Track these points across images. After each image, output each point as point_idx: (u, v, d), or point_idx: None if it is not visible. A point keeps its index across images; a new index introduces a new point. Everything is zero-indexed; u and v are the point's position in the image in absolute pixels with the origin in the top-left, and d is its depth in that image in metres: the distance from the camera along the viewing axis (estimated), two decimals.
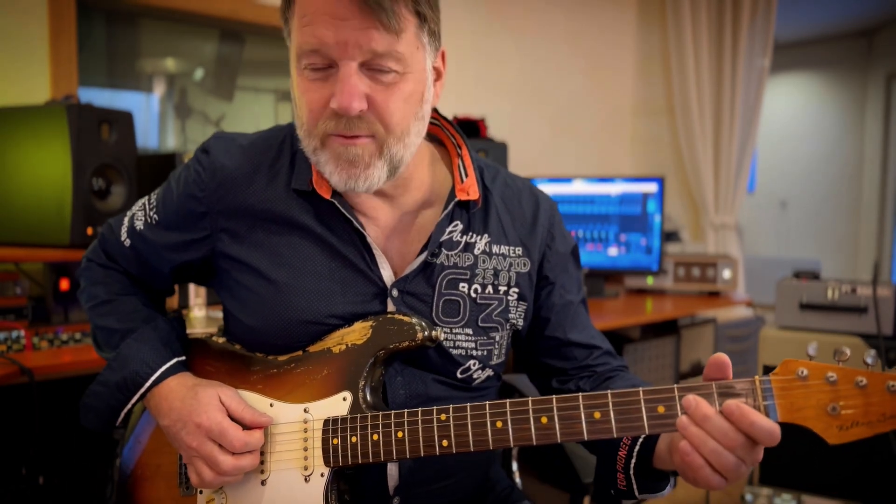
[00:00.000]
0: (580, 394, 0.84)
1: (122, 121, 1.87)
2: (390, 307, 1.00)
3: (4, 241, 1.85)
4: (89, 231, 1.79)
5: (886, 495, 2.05)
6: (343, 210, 0.98)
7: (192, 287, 2.03)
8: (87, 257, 1.16)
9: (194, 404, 0.95)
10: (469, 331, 1.02)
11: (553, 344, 1.10)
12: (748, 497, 2.24)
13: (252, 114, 3.12)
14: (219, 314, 2.00)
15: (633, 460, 0.92)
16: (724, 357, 0.82)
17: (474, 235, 1.04)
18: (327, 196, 0.98)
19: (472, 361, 1.03)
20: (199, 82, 2.95)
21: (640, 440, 0.92)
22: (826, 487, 2.13)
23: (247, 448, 0.93)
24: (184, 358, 1.06)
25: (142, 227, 1.08)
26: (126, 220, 1.12)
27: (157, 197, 1.09)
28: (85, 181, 1.77)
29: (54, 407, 1.81)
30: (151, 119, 2.86)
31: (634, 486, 0.93)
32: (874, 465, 2.06)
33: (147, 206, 1.10)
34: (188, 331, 1.14)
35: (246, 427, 0.95)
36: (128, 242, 1.10)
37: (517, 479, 1.45)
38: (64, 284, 1.94)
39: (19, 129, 1.81)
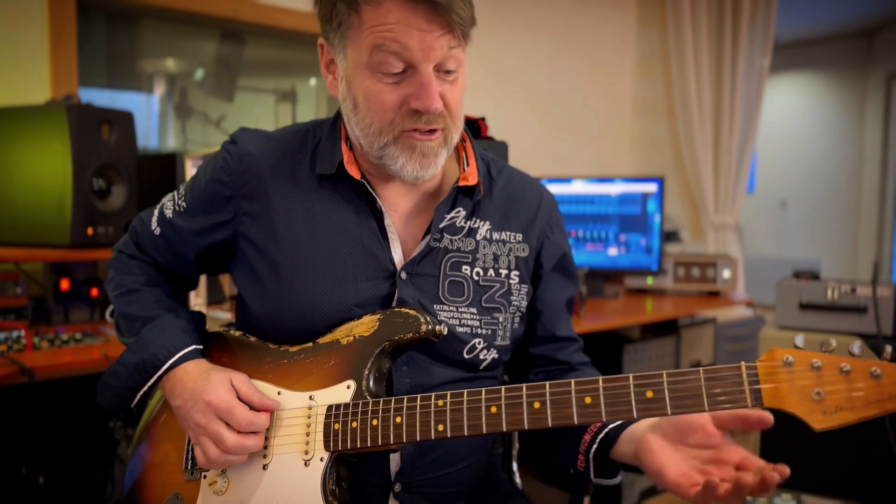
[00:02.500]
0: (572, 379, 0.87)
1: (123, 121, 1.87)
2: (399, 288, 1.04)
3: (4, 241, 1.85)
4: (89, 231, 1.79)
5: (886, 495, 2.05)
6: (371, 190, 1.05)
7: None
8: (118, 249, 1.21)
9: (206, 384, 0.99)
10: (473, 310, 1.07)
11: (540, 335, 1.18)
12: (748, 497, 2.23)
13: (252, 114, 3.12)
14: (219, 314, 2.00)
15: (595, 446, 1.02)
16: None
17: (477, 221, 1.10)
18: (357, 177, 1.05)
19: (476, 339, 1.07)
20: (199, 82, 2.95)
21: (605, 431, 1.02)
22: (826, 487, 2.13)
23: (252, 427, 0.96)
24: (202, 346, 1.10)
25: (171, 215, 1.14)
26: (156, 210, 1.17)
27: (186, 186, 1.15)
28: (85, 181, 1.77)
29: (54, 407, 1.81)
30: (152, 119, 2.86)
31: (591, 469, 1.03)
32: (874, 465, 2.06)
33: (176, 196, 1.15)
34: None
35: (254, 409, 0.98)
36: (158, 231, 1.15)
37: (517, 479, 1.45)
38: (64, 284, 1.94)
39: (19, 129, 1.82)
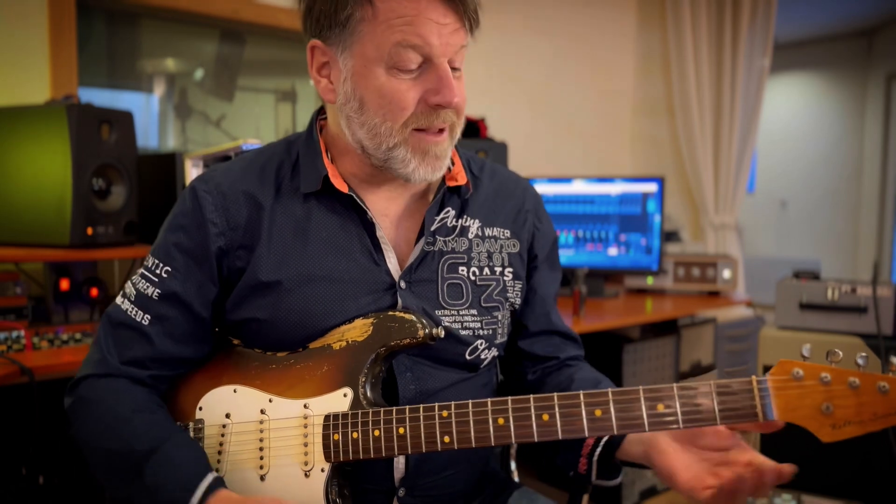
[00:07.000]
0: (581, 391, 0.87)
1: (123, 121, 1.86)
2: (400, 298, 1.02)
3: (4, 241, 1.85)
4: (89, 231, 1.79)
5: (886, 495, 2.05)
6: (360, 202, 1.02)
7: None
8: (81, 376, 1.03)
9: None
10: (474, 311, 1.07)
11: (532, 329, 1.18)
12: (748, 497, 2.23)
13: (252, 114, 3.12)
14: None
15: (599, 449, 1.01)
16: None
17: (468, 219, 1.10)
18: (345, 190, 1.02)
19: (479, 341, 1.07)
20: (199, 82, 2.95)
21: None
22: (826, 487, 2.13)
23: None
24: (215, 472, 0.96)
25: (160, 291, 1.00)
26: (128, 305, 1.02)
27: (158, 255, 1.03)
28: (85, 181, 1.77)
29: (54, 407, 1.81)
30: (151, 119, 2.86)
31: (594, 472, 1.02)
32: (874, 465, 2.06)
33: (148, 273, 1.02)
34: None
35: None
36: (147, 319, 1.00)
37: (516, 479, 1.45)
38: (64, 284, 1.94)
39: (19, 129, 1.81)
